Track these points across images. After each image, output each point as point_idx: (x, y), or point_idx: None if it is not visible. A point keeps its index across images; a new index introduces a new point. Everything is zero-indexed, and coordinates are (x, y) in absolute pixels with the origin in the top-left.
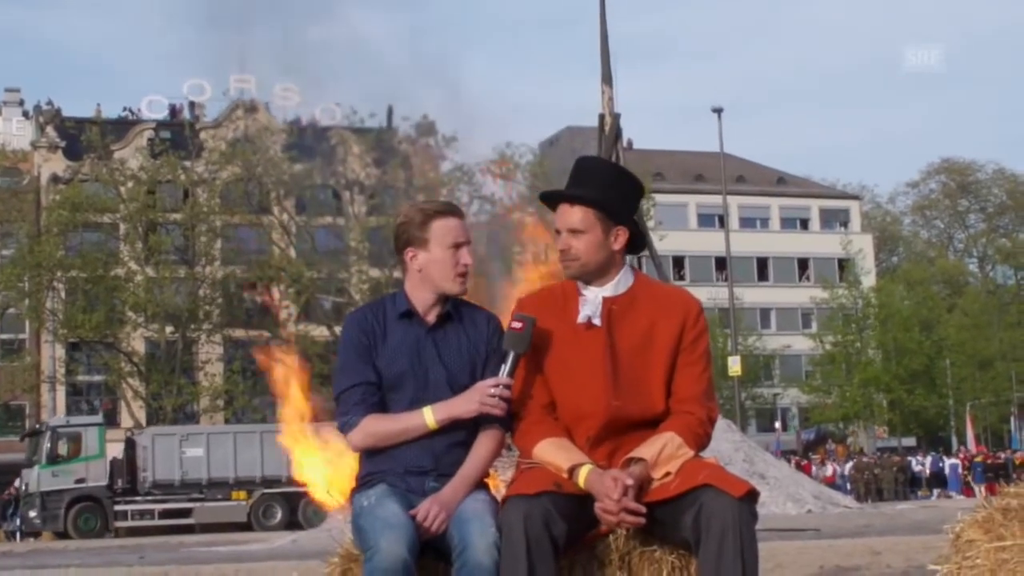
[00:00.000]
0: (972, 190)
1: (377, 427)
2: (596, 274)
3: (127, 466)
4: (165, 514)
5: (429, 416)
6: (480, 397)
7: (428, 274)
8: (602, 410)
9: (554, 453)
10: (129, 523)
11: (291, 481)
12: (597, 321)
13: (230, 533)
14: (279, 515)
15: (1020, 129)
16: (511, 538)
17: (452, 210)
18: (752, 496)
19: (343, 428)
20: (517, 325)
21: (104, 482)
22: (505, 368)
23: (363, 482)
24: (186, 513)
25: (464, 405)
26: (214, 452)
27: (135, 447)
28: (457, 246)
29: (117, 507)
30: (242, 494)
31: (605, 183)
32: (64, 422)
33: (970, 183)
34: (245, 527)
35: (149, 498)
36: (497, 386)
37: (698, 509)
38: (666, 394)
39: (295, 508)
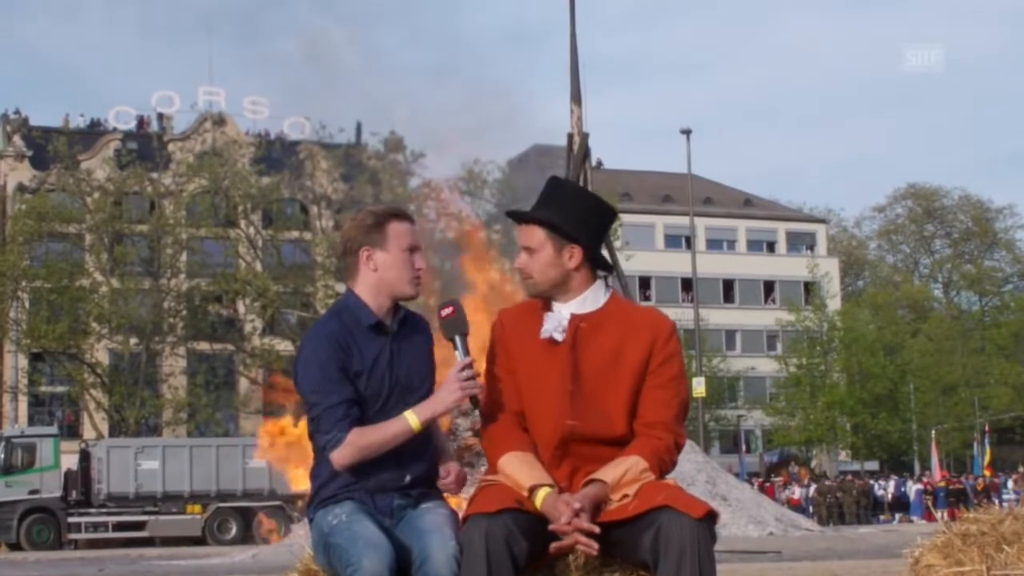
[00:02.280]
0: (938, 216)
1: (364, 440)
2: (555, 291)
3: (82, 478)
4: (119, 527)
5: (413, 419)
6: (458, 384)
7: (384, 275)
8: (556, 428)
9: (518, 469)
10: (83, 535)
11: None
12: (559, 337)
13: (185, 547)
14: (234, 529)
15: (986, 156)
16: (472, 556)
17: (404, 214)
18: (711, 517)
19: (327, 446)
20: (447, 311)
21: (58, 493)
22: (459, 352)
23: (327, 499)
24: (140, 526)
25: (446, 397)
26: (169, 465)
27: (90, 459)
28: (411, 250)
29: (71, 519)
30: (197, 508)
31: (564, 204)
32: (19, 432)
33: (936, 209)
34: (199, 541)
35: (103, 510)
36: (463, 368)
37: (657, 530)
38: (628, 415)
39: (249, 523)
